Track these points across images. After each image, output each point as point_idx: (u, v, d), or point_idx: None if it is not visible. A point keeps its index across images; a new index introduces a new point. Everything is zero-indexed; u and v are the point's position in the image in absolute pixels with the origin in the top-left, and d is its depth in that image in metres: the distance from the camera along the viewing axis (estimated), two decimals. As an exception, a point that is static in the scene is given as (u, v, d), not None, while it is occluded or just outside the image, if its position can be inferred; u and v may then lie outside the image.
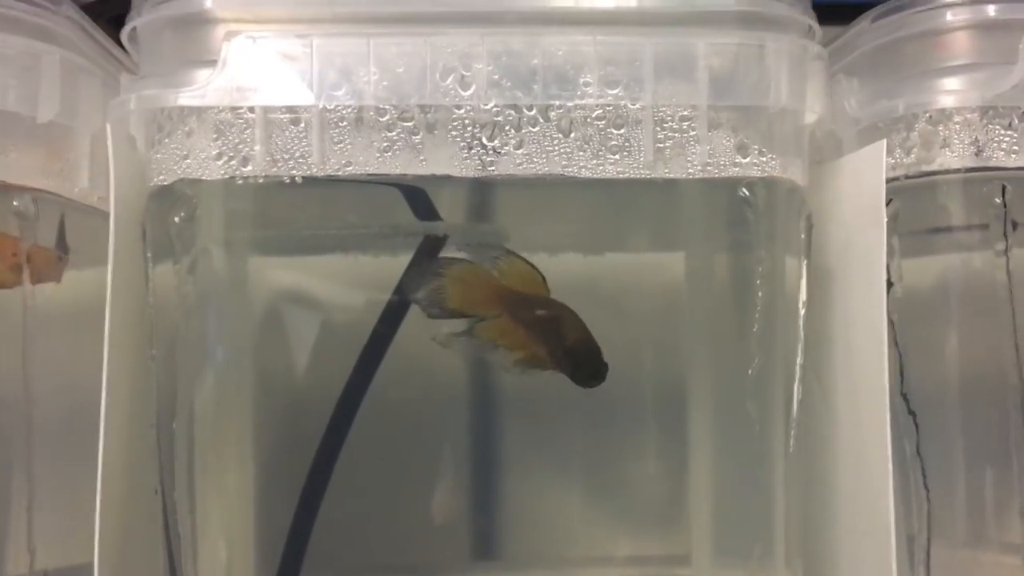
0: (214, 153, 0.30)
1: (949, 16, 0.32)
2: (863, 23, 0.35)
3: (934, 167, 0.32)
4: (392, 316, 0.35)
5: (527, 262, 0.32)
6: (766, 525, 0.33)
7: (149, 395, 0.31)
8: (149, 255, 0.31)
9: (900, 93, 0.33)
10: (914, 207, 0.33)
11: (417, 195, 0.32)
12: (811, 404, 0.34)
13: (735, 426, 0.32)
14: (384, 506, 0.37)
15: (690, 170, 0.31)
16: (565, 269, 0.33)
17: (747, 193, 0.31)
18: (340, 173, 0.30)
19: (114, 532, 0.30)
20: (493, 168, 0.30)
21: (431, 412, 0.37)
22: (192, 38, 0.30)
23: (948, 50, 0.32)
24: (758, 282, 0.32)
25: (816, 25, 0.33)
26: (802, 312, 0.33)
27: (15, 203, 0.30)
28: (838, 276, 0.35)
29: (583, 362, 0.32)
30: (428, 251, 0.34)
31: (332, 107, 0.29)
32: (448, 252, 0.33)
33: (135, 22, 0.31)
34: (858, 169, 0.33)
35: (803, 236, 0.33)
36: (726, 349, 0.32)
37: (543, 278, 0.32)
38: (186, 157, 0.30)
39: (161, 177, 0.30)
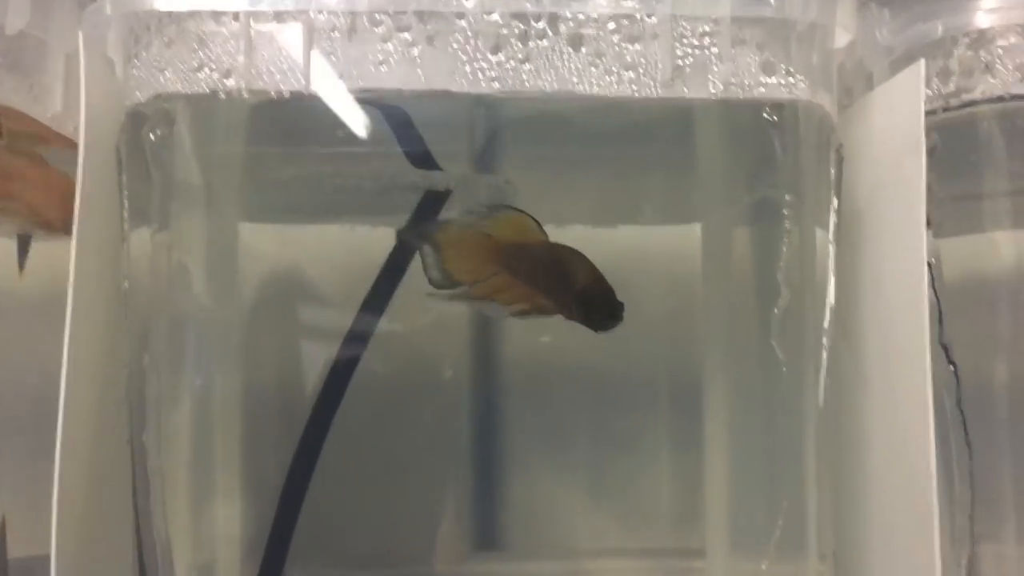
0: (194, 65, 0.27)
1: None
2: (896, -52, 0.33)
3: (976, 95, 0.30)
4: (391, 274, 0.32)
5: (518, 210, 0.29)
6: (795, 505, 0.30)
7: (118, 363, 0.29)
8: (123, 181, 0.29)
9: (936, 14, 0.30)
10: (954, 142, 0.31)
11: (399, 117, 0.30)
12: (837, 359, 0.32)
13: (761, 376, 0.29)
14: (384, 496, 0.34)
15: (712, 90, 0.28)
16: (577, 204, 0.31)
17: (773, 117, 0.29)
18: (330, 90, 0.28)
19: (73, 526, 0.27)
20: (496, 84, 0.28)
21: (435, 397, 0.35)
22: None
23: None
24: (785, 218, 0.30)
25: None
26: (832, 251, 0.30)
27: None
28: (868, 218, 0.32)
29: (596, 304, 0.29)
30: (431, 207, 0.32)
31: (322, 13, 0.27)
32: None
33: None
34: (892, 98, 0.30)
35: (833, 170, 0.31)
36: (749, 291, 0.30)
37: (538, 224, 0.30)
38: (164, 70, 0.28)
39: (138, 94, 0.28)
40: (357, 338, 0.32)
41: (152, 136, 0.28)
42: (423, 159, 0.32)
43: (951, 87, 0.30)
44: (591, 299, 0.29)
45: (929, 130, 0.30)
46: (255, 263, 0.31)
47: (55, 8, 0.28)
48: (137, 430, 0.28)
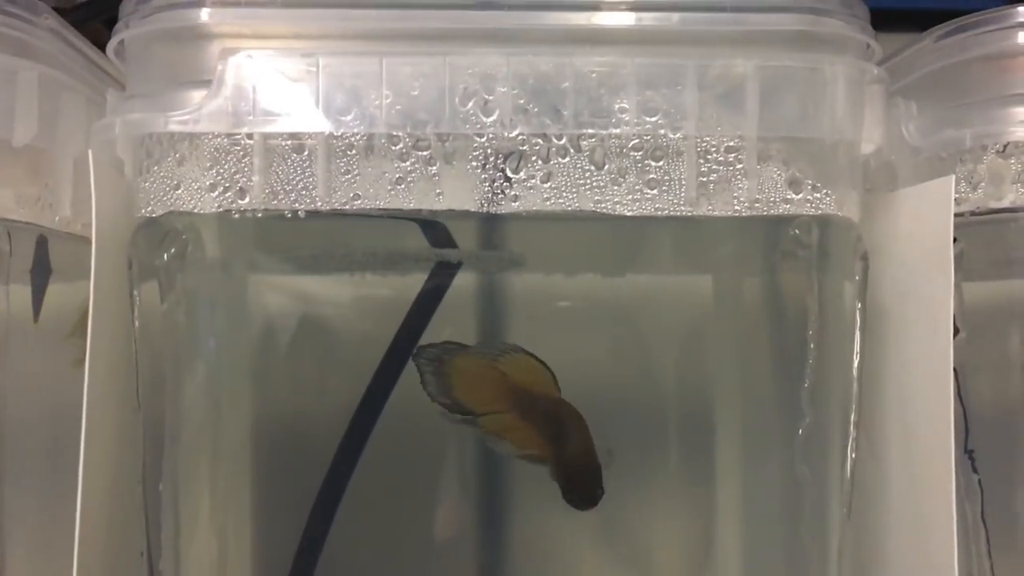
0: (208, 184, 0.27)
1: (1023, 37, 0.29)
2: (925, 42, 0.32)
3: (1004, 204, 0.29)
4: (400, 351, 0.32)
5: (536, 358, 0.29)
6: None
7: (133, 447, 0.29)
8: (135, 294, 0.28)
9: (967, 122, 0.29)
10: (980, 246, 0.30)
11: (435, 228, 0.30)
12: (859, 461, 0.31)
13: (785, 492, 0.29)
14: (388, 541, 0.34)
15: (736, 207, 0.27)
16: (590, 303, 0.31)
17: (798, 232, 0.29)
18: (347, 207, 0.27)
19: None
20: (517, 204, 0.27)
21: (438, 457, 0.34)
22: (185, 55, 0.26)
23: (1021, 75, 0.29)
24: (809, 332, 0.29)
25: (875, 44, 0.30)
26: (856, 363, 0.30)
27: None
28: (894, 319, 0.31)
29: (577, 480, 0.29)
30: (441, 277, 0.31)
31: (339, 134, 0.26)
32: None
33: (122, 35, 0.28)
34: (920, 205, 0.29)
35: (858, 278, 0.30)
36: (773, 406, 0.30)
37: (554, 377, 0.29)
38: (177, 187, 0.27)
39: (149, 208, 0.27)
40: (374, 398, 0.32)
41: (165, 255, 0.27)
42: (443, 239, 0.31)
43: (979, 193, 0.30)
44: (573, 473, 0.29)
45: (958, 232, 0.29)
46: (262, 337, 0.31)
47: (62, 116, 0.28)
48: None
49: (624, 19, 0.27)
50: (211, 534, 0.28)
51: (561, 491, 0.29)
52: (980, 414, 0.30)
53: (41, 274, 0.32)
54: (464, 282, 0.31)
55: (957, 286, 0.30)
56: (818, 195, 0.28)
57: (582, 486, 0.28)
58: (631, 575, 0.33)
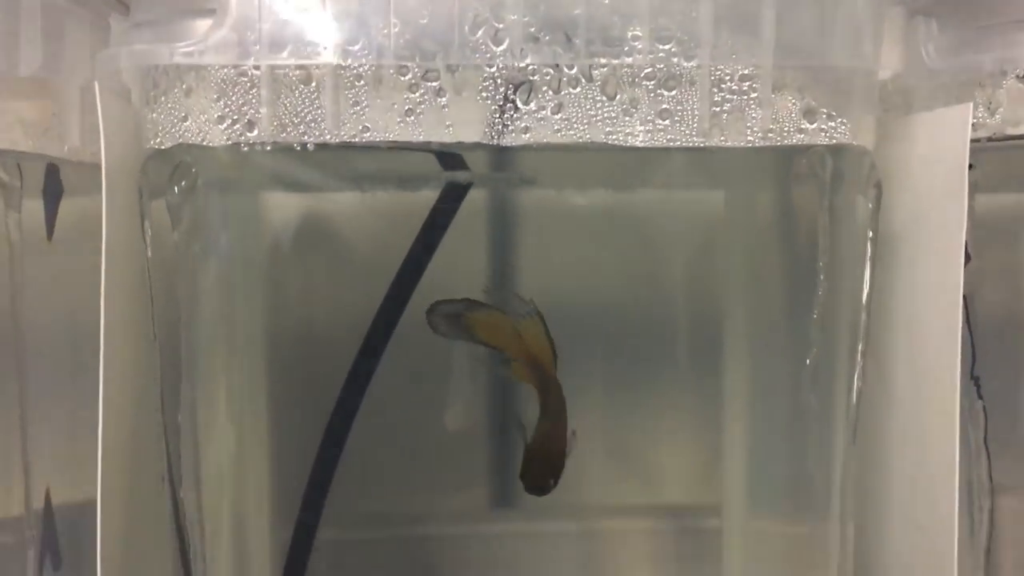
0: (216, 116, 0.26)
1: (1050, -41, 0.28)
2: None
3: (1022, 130, 0.29)
4: (413, 267, 0.32)
5: (548, 335, 0.29)
6: (820, 468, 0.30)
7: (151, 375, 0.29)
8: (147, 224, 0.28)
9: (987, 45, 0.29)
10: (997, 172, 0.30)
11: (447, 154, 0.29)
12: (866, 384, 0.32)
13: (791, 418, 0.29)
14: (401, 455, 0.35)
15: (750, 137, 0.27)
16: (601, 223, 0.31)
17: (812, 161, 0.28)
18: (356, 139, 0.27)
19: (117, 520, 0.28)
20: (528, 135, 0.27)
21: (451, 359, 0.35)
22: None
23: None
24: (820, 263, 0.29)
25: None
26: (866, 292, 0.30)
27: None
28: (905, 244, 0.31)
29: (536, 463, 0.29)
30: (451, 197, 0.31)
31: (348, 64, 0.26)
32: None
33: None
34: (936, 132, 0.29)
35: (871, 206, 0.30)
36: (782, 334, 0.30)
37: (555, 356, 0.29)
38: (185, 119, 0.27)
39: (158, 139, 0.27)
40: (389, 310, 0.32)
41: (176, 187, 0.27)
42: (454, 162, 0.31)
43: (997, 119, 0.29)
44: (533, 461, 0.30)
45: (974, 158, 0.29)
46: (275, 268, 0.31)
47: (67, 43, 0.27)
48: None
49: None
50: (230, 462, 0.29)
51: (520, 468, 0.29)
52: (987, 340, 0.31)
53: (53, 196, 0.32)
54: (475, 199, 0.31)
55: (971, 212, 0.30)
56: (832, 124, 0.28)
57: (536, 469, 0.29)
58: (635, 493, 0.34)
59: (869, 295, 0.30)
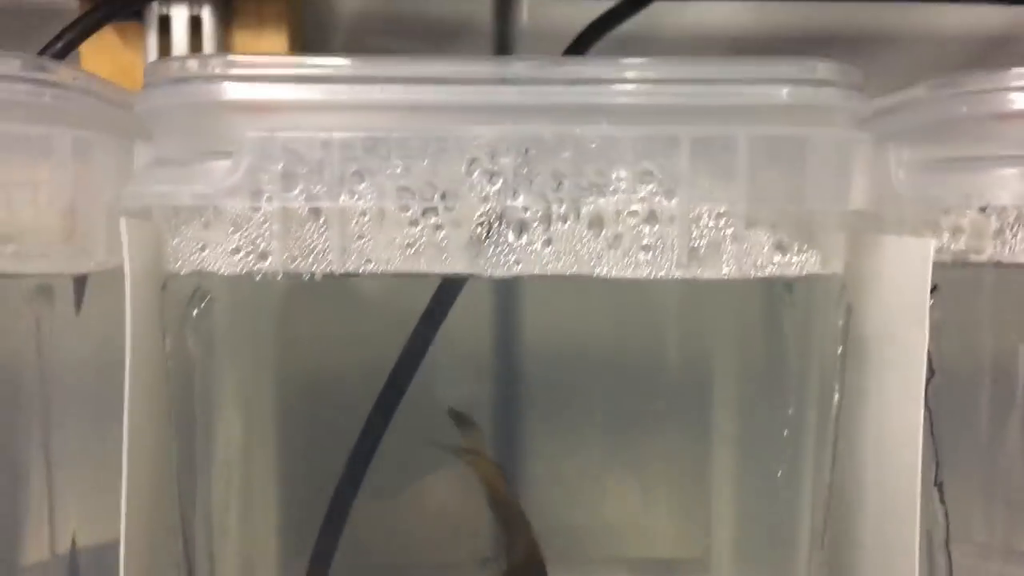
0: (231, 248, 0.29)
1: (1016, 101, 0.30)
2: (920, 89, 0.33)
3: (983, 259, 0.31)
4: (407, 365, 0.34)
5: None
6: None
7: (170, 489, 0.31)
8: (167, 341, 0.30)
9: (953, 175, 0.31)
10: (958, 293, 0.32)
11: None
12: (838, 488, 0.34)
13: (765, 528, 0.31)
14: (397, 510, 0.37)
15: (725, 270, 0.29)
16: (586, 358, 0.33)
17: (784, 291, 0.30)
18: (360, 271, 0.29)
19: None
20: (519, 267, 0.29)
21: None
22: (207, 127, 0.28)
23: (1012, 138, 0.30)
24: (791, 379, 0.31)
25: (865, 104, 0.31)
26: (836, 400, 0.32)
27: (25, 291, 0.29)
28: (875, 349, 0.33)
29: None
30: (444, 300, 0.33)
31: (353, 202, 0.28)
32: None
33: (148, 101, 0.29)
34: (901, 259, 0.31)
35: (841, 323, 0.32)
36: (753, 451, 0.32)
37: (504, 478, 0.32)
38: (203, 249, 0.29)
39: (178, 264, 0.29)
40: (384, 407, 0.34)
41: (194, 311, 0.29)
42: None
43: (961, 245, 0.31)
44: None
45: (938, 277, 0.31)
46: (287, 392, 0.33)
47: (94, 171, 0.29)
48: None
49: (625, 96, 0.29)
50: (242, 562, 0.31)
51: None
52: (951, 452, 0.33)
53: (80, 283, 0.34)
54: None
55: (935, 329, 0.32)
56: (804, 256, 0.30)
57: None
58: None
59: (839, 402, 0.32)
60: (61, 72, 0.29)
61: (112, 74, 0.55)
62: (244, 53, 0.43)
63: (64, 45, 0.45)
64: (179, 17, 0.52)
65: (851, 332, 0.32)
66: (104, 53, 0.52)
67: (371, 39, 0.60)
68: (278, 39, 0.55)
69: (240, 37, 0.54)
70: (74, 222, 0.29)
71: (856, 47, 0.59)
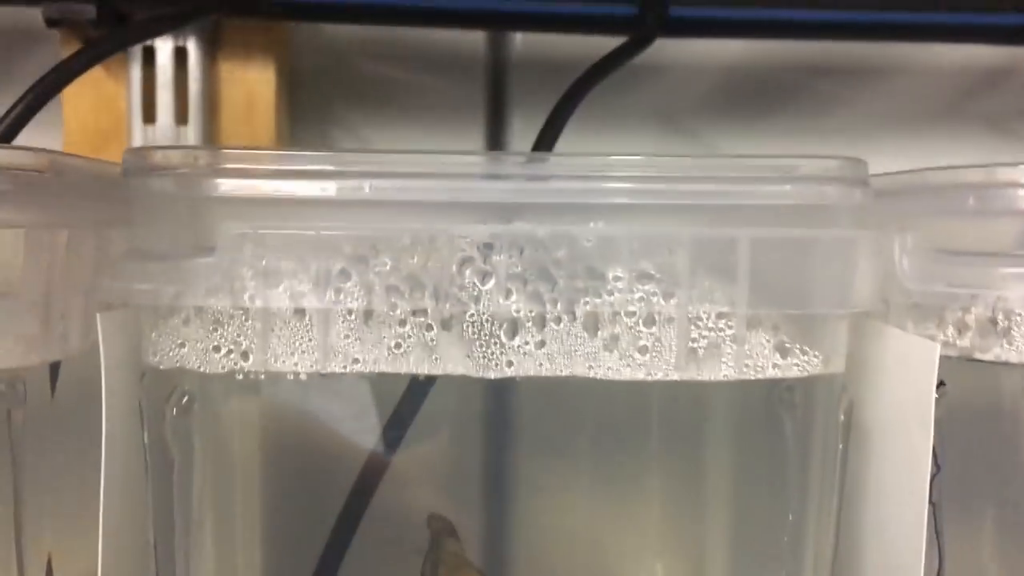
0: (212, 346, 0.28)
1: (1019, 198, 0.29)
2: (926, 175, 0.32)
3: (989, 357, 0.30)
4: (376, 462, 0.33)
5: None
6: None
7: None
8: (145, 435, 0.29)
9: (959, 272, 0.30)
10: (964, 388, 0.31)
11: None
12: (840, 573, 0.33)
13: None
14: None
15: (724, 372, 0.28)
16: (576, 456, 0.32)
17: (784, 393, 0.29)
18: (346, 370, 0.28)
19: None
20: (512, 368, 0.28)
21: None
22: (188, 220, 0.27)
23: (1014, 235, 0.30)
24: (790, 472, 0.30)
25: (870, 197, 0.30)
26: (836, 503, 0.31)
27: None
28: (876, 448, 0.32)
29: None
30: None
31: (339, 300, 0.27)
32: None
33: (128, 191, 0.28)
34: (906, 356, 0.30)
35: (842, 419, 0.31)
36: (752, 553, 0.31)
37: None
38: (183, 346, 0.28)
39: (156, 358, 0.28)
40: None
41: (174, 408, 0.28)
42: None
43: (966, 342, 0.30)
44: None
45: (944, 372, 0.30)
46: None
47: (73, 266, 0.28)
48: None
49: (619, 192, 0.28)
50: None
51: None
52: (954, 549, 0.32)
53: (54, 369, 0.33)
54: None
55: (940, 423, 0.31)
56: (805, 358, 0.29)
57: None
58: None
59: (839, 498, 0.31)
60: (39, 158, 0.28)
61: (94, 105, 0.54)
62: (229, 147, 0.41)
63: (45, 88, 0.44)
64: (164, 49, 0.52)
65: (853, 424, 0.31)
66: (86, 84, 0.51)
67: (363, 65, 0.59)
68: (265, 70, 0.54)
69: (226, 68, 0.53)
70: (49, 314, 0.28)
71: (851, 79, 0.59)
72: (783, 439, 0.29)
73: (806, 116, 0.60)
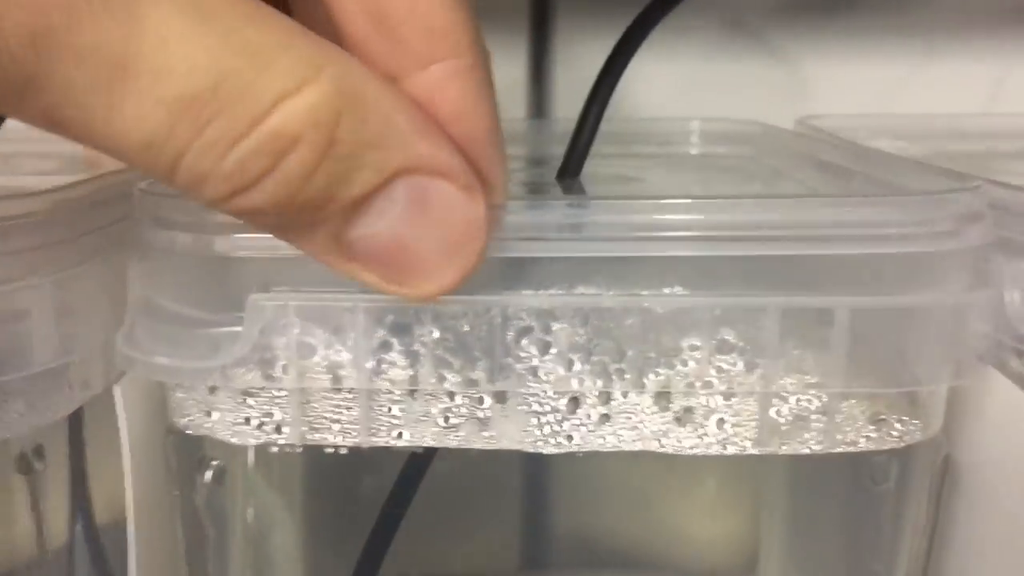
0: (242, 417, 0.25)
1: None
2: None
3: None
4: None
5: None
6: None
7: None
8: (176, 494, 0.27)
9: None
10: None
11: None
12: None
13: None
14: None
15: (812, 445, 0.26)
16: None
17: (877, 466, 0.26)
18: (390, 445, 0.25)
19: None
20: (572, 444, 0.25)
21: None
22: (211, 283, 0.24)
23: None
24: (882, 552, 0.27)
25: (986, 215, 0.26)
26: (925, 562, 0.28)
27: (16, 455, 0.26)
28: (977, 503, 0.29)
29: None
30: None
31: (381, 371, 0.25)
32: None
33: (145, 234, 0.25)
34: (1014, 414, 0.27)
35: (939, 482, 0.28)
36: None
37: None
38: (209, 414, 0.26)
39: (183, 421, 0.26)
40: None
41: (203, 479, 0.26)
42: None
43: (1083, 396, 0.27)
44: None
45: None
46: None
47: (79, 328, 0.25)
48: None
49: (700, 242, 0.24)
50: None
51: None
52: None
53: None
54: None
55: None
56: (903, 428, 0.26)
57: None
58: None
59: (930, 549, 0.29)
60: (38, 203, 0.24)
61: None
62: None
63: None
64: None
65: (949, 479, 0.28)
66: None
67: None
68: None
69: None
70: (66, 374, 0.26)
71: None
72: (874, 506, 0.27)
73: (879, 14, 0.55)
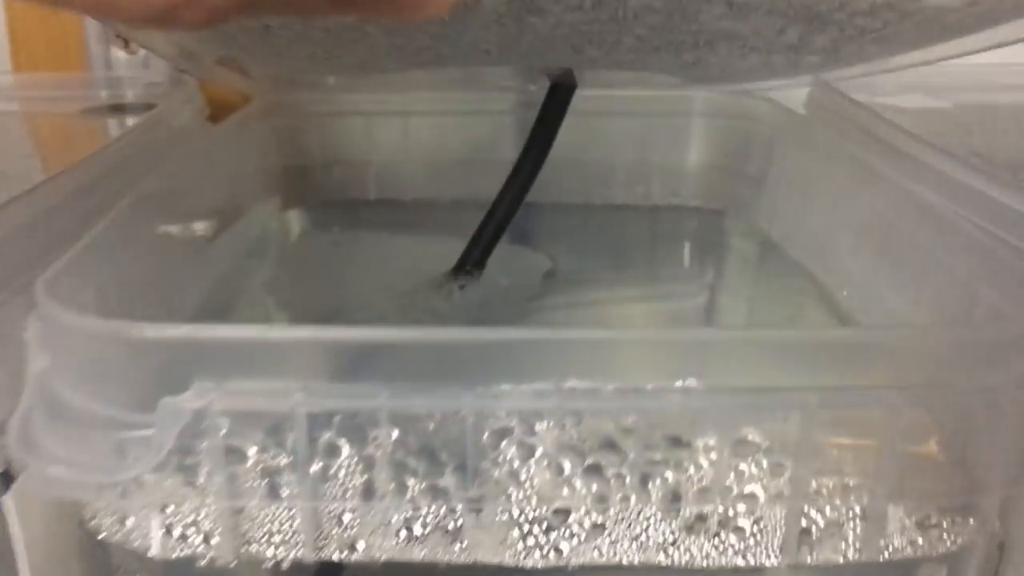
0: (161, 531, 0.21)
1: None
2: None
3: None
4: None
5: None
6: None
7: None
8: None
9: None
10: None
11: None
12: None
13: None
14: None
15: (849, 554, 0.21)
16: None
17: (924, 571, 0.22)
18: (342, 559, 0.21)
19: None
20: (561, 558, 0.21)
21: None
22: (123, 374, 0.20)
23: None
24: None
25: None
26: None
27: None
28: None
29: None
30: None
31: (328, 477, 0.20)
32: None
33: (47, 319, 0.20)
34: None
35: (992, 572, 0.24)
36: None
37: None
38: (122, 522, 0.21)
39: (95, 522, 0.22)
40: None
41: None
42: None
43: None
44: None
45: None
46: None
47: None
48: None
49: (715, 337, 0.20)
50: None
51: None
52: None
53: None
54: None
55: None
56: (956, 527, 0.22)
57: None
58: None
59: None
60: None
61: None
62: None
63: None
64: None
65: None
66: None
67: None
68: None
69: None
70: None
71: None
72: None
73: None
